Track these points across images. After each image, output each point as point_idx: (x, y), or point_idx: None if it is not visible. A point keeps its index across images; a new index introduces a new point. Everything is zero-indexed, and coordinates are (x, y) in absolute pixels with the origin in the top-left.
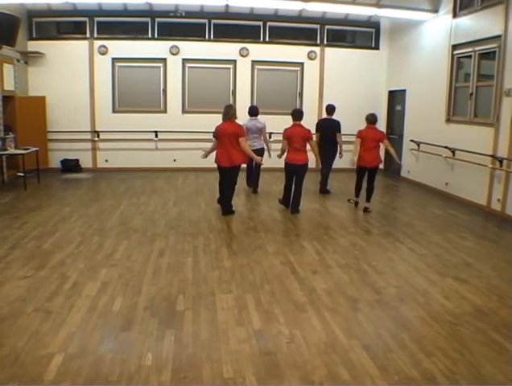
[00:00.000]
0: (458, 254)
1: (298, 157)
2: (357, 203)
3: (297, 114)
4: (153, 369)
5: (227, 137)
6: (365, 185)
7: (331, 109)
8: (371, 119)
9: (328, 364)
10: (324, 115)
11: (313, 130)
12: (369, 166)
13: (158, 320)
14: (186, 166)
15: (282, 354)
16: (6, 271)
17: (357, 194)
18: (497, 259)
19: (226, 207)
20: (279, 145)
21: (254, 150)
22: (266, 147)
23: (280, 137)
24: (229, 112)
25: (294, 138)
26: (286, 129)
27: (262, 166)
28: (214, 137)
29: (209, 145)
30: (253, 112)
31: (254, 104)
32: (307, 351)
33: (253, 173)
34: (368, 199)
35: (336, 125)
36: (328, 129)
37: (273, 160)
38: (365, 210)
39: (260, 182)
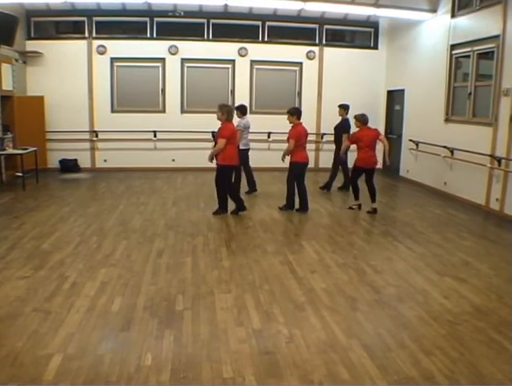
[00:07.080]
0: (457, 253)
1: None
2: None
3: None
4: (152, 369)
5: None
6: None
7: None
8: (362, 120)
9: (328, 364)
10: (324, 115)
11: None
12: (367, 167)
13: (157, 320)
14: (185, 166)
15: (282, 353)
16: (4, 271)
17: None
18: (496, 258)
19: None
20: (279, 145)
21: None
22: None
23: (279, 137)
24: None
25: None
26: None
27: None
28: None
29: (209, 145)
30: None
31: (253, 103)
32: (306, 351)
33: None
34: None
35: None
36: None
37: (274, 160)
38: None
39: (258, 182)
